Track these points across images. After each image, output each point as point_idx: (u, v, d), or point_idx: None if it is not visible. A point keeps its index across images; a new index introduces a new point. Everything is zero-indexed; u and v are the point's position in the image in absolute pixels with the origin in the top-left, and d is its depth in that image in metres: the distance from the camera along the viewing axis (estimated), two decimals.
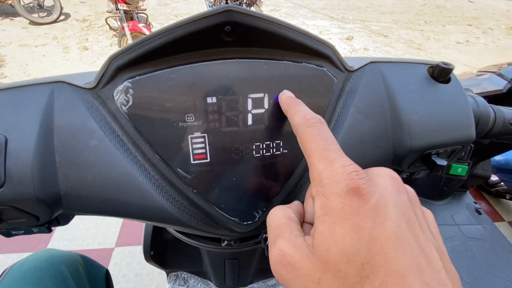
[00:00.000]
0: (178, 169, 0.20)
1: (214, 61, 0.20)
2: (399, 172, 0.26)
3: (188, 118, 0.20)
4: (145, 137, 0.20)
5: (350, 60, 0.24)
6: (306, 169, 0.23)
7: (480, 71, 0.85)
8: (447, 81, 0.25)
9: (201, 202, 0.21)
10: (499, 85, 0.71)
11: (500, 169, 1.25)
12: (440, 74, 0.24)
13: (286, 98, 0.21)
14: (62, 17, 3.54)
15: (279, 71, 0.21)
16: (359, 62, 0.24)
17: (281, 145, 0.22)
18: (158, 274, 1.08)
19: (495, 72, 0.78)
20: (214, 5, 3.15)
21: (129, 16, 2.62)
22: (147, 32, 2.29)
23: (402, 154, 0.23)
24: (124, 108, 0.19)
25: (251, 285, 0.74)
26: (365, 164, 0.23)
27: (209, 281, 0.76)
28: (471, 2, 5.14)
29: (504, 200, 1.43)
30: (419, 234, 0.14)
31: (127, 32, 2.30)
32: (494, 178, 1.38)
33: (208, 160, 0.21)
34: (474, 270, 0.83)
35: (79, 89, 0.20)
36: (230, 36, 0.20)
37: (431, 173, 0.26)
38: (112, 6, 2.66)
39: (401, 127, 0.23)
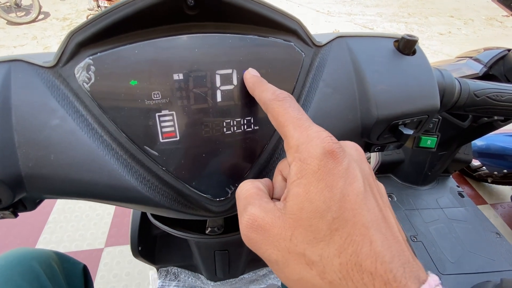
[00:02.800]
0: (146, 147, 0.20)
1: (177, 35, 0.20)
2: (370, 145, 0.26)
3: (155, 96, 0.20)
4: (110, 115, 0.19)
5: (318, 36, 0.24)
6: (277, 145, 0.23)
7: (459, 57, 0.87)
8: (413, 53, 0.25)
9: (172, 180, 0.21)
10: (476, 69, 0.73)
11: (481, 154, 1.29)
12: (405, 46, 0.24)
13: (252, 77, 0.21)
14: (41, 16, 3.41)
15: (246, 46, 0.21)
16: (327, 37, 0.24)
17: (252, 121, 0.22)
18: (149, 271, 1.07)
19: (472, 57, 0.80)
20: None
21: None
22: None
23: (370, 125, 0.24)
24: (86, 86, 0.19)
25: (242, 276, 0.75)
26: (335, 136, 0.23)
27: (200, 275, 0.76)
28: None
29: (486, 183, 1.48)
30: (378, 197, 0.16)
31: None
32: (476, 163, 1.42)
33: (178, 138, 0.21)
34: (458, 250, 0.86)
35: (37, 67, 0.19)
36: (193, 10, 0.19)
37: (399, 144, 0.27)
38: (93, 3, 2.59)
39: (368, 98, 0.23)
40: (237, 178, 0.22)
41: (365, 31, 0.25)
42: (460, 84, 0.27)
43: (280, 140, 0.23)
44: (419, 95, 0.24)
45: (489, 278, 0.80)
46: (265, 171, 0.23)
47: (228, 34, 0.21)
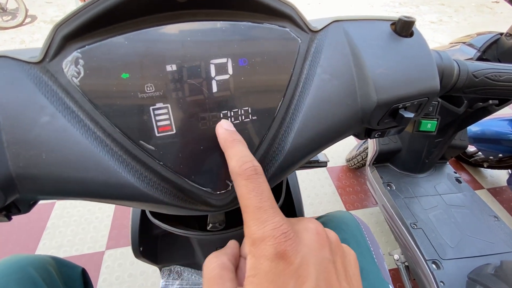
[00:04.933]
0: (142, 142, 0.20)
1: (168, 24, 0.19)
2: (370, 131, 0.26)
3: (148, 88, 0.19)
4: (102, 110, 0.19)
5: (313, 22, 0.24)
6: (276, 135, 0.22)
7: (452, 43, 0.87)
8: (411, 35, 0.25)
9: (170, 175, 0.20)
10: (469, 54, 0.73)
11: (476, 139, 1.30)
12: (403, 28, 0.24)
13: (223, 133, 0.20)
14: (28, 20, 3.34)
15: (240, 33, 0.21)
16: (323, 22, 0.24)
17: (249, 111, 0.22)
18: (152, 272, 1.07)
19: (466, 42, 0.80)
20: None
21: None
22: None
23: (370, 109, 0.23)
24: (75, 80, 0.18)
25: None
26: (335, 124, 0.23)
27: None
28: None
29: (482, 169, 1.49)
30: (336, 286, 0.16)
31: None
32: (472, 149, 1.43)
33: (174, 131, 0.20)
34: (457, 235, 0.87)
35: (24, 63, 0.18)
36: None
37: (401, 128, 0.27)
38: (81, 4, 2.54)
39: (367, 83, 0.23)
40: None
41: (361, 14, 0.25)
42: (458, 65, 0.27)
43: (279, 130, 0.22)
44: (419, 77, 0.24)
45: (488, 260, 0.81)
46: (265, 162, 0.23)
47: (221, 22, 0.20)
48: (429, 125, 0.34)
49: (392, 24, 0.25)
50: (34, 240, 1.14)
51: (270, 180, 0.23)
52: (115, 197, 0.20)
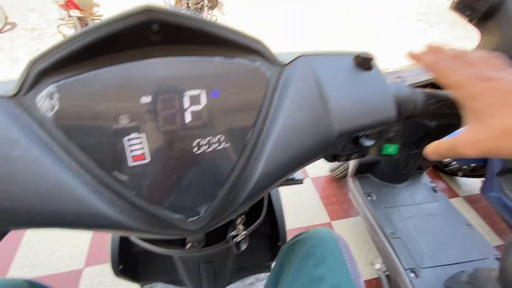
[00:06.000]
0: (115, 172, 0.20)
1: (143, 60, 0.20)
2: (336, 156, 0.28)
3: (123, 120, 0.20)
4: (76, 142, 0.19)
5: (281, 55, 0.25)
6: (248, 161, 0.23)
7: None
8: (370, 68, 0.27)
9: (143, 203, 0.21)
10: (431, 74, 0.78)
11: None
12: (363, 62, 0.26)
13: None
14: (7, 27, 3.25)
15: (212, 67, 0.22)
16: (290, 56, 0.25)
17: (222, 139, 0.23)
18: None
19: None
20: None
21: (84, 22, 2.48)
22: None
23: (333, 138, 0.25)
24: (50, 114, 0.19)
25: (228, 287, 0.74)
26: (302, 151, 0.25)
27: None
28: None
29: (457, 177, 1.57)
30: None
31: None
32: (447, 158, 1.51)
33: (148, 160, 0.21)
34: (434, 243, 0.91)
35: None
36: (157, 35, 0.20)
37: (363, 154, 0.29)
38: (64, 13, 2.50)
39: (329, 114, 0.25)
40: (209, 196, 0.23)
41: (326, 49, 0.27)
42: (415, 94, 0.29)
43: (250, 157, 0.24)
44: (377, 108, 0.26)
45: (463, 268, 0.84)
46: (237, 187, 0.24)
47: (194, 57, 0.21)
48: (391, 149, 0.37)
49: (354, 57, 0.27)
50: (7, 259, 1.08)
51: (242, 204, 0.24)
52: (88, 226, 0.21)
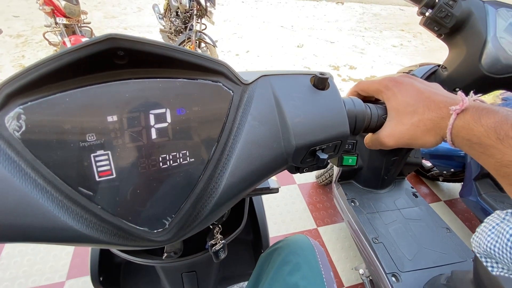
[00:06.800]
0: (81, 188, 0.21)
1: (109, 82, 0.21)
2: (298, 167, 0.29)
3: (89, 138, 0.21)
4: (43, 160, 0.20)
5: (245, 74, 0.27)
6: (212, 174, 0.25)
7: (400, 72, 0.97)
8: (326, 87, 0.29)
9: (109, 216, 0.22)
10: None
11: (432, 156, 1.42)
12: (319, 82, 0.28)
13: None
14: None
15: (176, 88, 0.23)
16: (253, 76, 0.27)
17: (187, 154, 0.24)
18: None
19: (410, 72, 0.90)
20: (164, 17, 3.11)
21: (70, 30, 2.46)
22: None
23: (291, 152, 0.27)
24: (17, 134, 0.20)
25: None
26: (264, 164, 0.26)
27: None
28: (402, 10, 5.80)
29: (439, 182, 1.62)
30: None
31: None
32: (428, 164, 1.56)
33: (114, 176, 0.22)
34: (414, 247, 0.93)
35: None
36: (122, 59, 0.21)
37: (320, 166, 0.31)
38: (51, 20, 2.47)
39: (287, 129, 0.27)
40: (173, 209, 0.24)
41: (286, 69, 0.29)
42: (370, 109, 0.32)
43: (215, 170, 0.25)
44: (331, 124, 0.28)
45: (442, 271, 0.87)
46: (202, 199, 0.25)
47: (158, 79, 0.23)
48: (350, 160, 0.39)
49: (311, 78, 0.29)
50: None
51: (208, 215, 0.25)
52: (56, 240, 0.21)
